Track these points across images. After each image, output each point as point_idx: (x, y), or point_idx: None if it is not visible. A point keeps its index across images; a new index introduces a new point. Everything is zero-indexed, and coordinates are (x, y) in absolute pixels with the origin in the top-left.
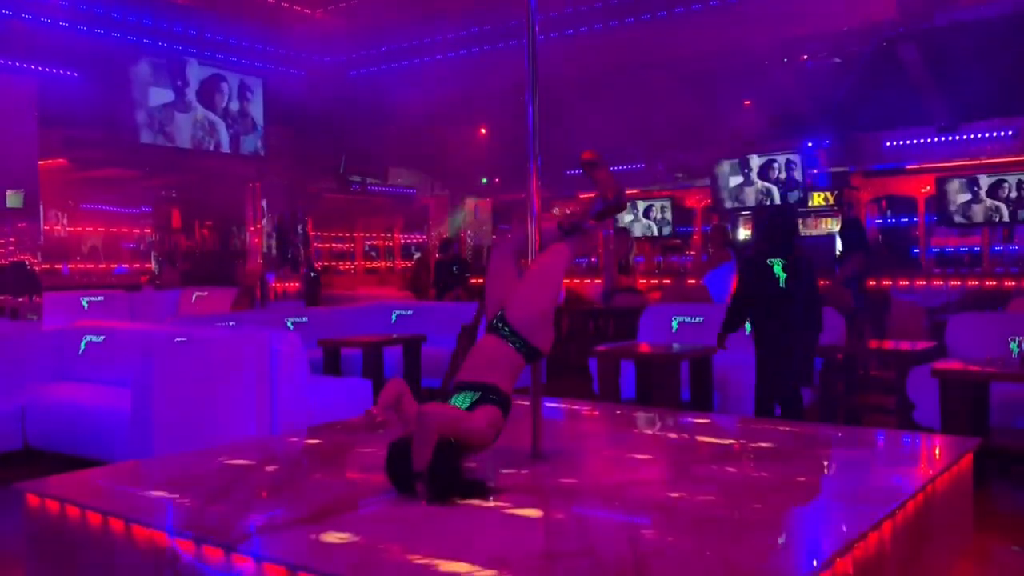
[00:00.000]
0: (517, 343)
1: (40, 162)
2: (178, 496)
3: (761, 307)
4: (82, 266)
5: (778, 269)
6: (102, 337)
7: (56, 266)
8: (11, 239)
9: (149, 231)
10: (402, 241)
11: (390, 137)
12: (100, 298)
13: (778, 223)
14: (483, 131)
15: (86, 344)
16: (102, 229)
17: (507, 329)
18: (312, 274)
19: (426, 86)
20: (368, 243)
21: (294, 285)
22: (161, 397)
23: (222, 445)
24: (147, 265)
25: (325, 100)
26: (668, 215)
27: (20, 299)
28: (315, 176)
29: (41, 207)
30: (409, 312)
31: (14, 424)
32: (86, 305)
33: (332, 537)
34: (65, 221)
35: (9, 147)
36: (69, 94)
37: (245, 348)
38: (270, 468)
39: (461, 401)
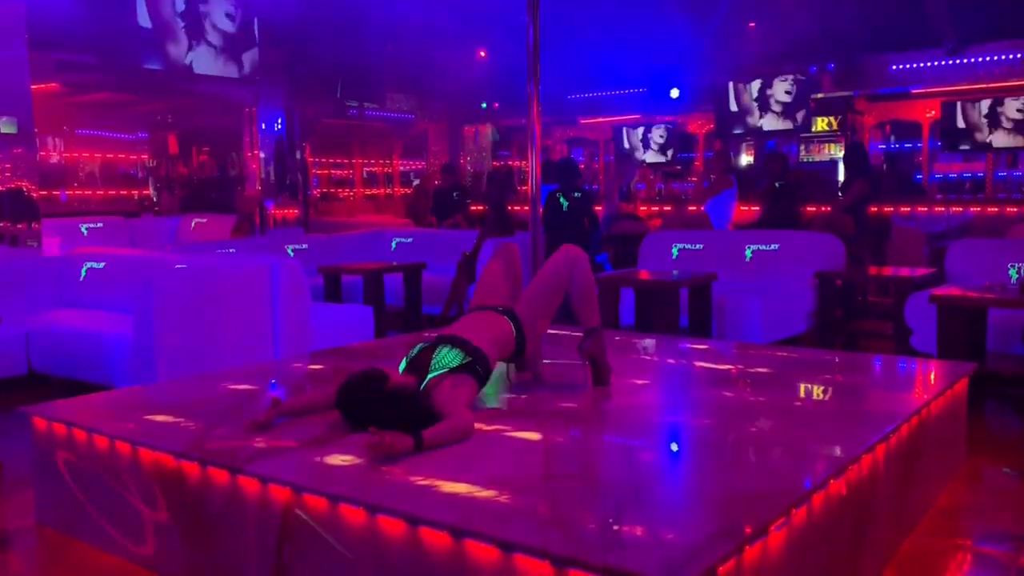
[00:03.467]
0: (516, 331)
1: (32, 86)
2: (183, 420)
3: (552, 228)
4: (80, 192)
5: (563, 200)
6: (103, 264)
7: (54, 192)
8: (7, 165)
9: (146, 157)
10: (401, 168)
11: (388, 61)
12: (99, 224)
13: (568, 169)
14: (482, 54)
15: (87, 270)
16: (99, 155)
17: (515, 319)
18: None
19: (425, 5)
20: (367, 170)
21: (293, 212)
22: (163, 323)
23: (225, 370)
24: (145, 191)
25: (320, 21)
26: (670, 141)
27: (19, 225)
28: (312, 101)
29: (35, 133)
30: (409, 239)
31: (18, 349)
32: (85, 232)
33: (335, 459)
34: (61, 147)
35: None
36: (59, 15)
37: (246, 274)
38: (273, 393)
39: (450, 358)
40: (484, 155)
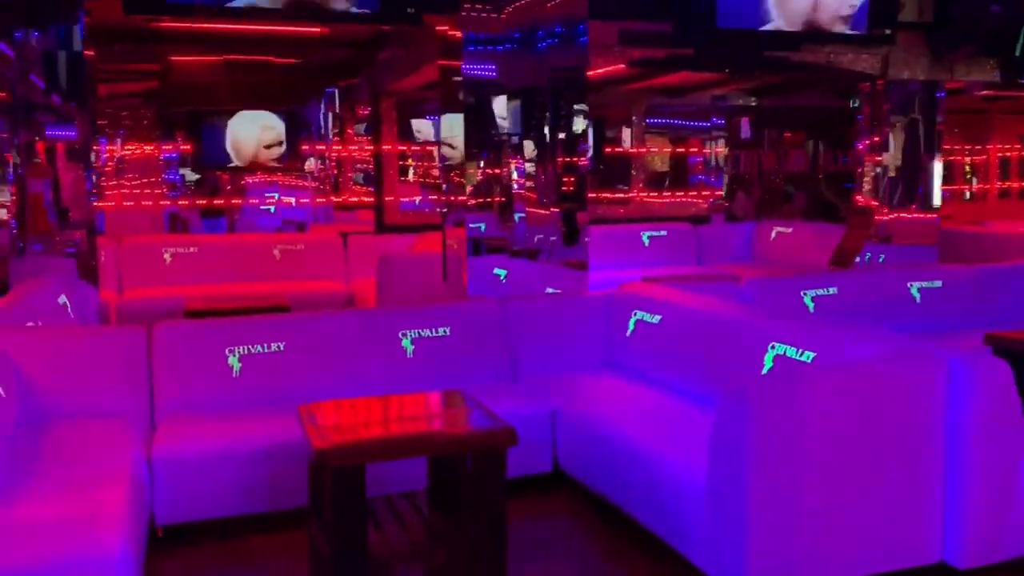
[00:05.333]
0: None
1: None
2: None
3: None
4: (645, 196)
5: None
6: (658, 318)
7: (621, 195)
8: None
9: (721, 147)
10: None
11: None
12: (663, 232)
13: None
14: None
15: (635, 323)
16: (666, 149)
17: None
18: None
19: None
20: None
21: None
22: (763, 453)
23: None
24: (717, 191)
25: None
26: None
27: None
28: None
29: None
30: None
31: (542, 435)
32: (647, 241)
33: None
34: (631, 141)
35: None
36: None
37: (899, 373)
38: None
39: None
40: None
